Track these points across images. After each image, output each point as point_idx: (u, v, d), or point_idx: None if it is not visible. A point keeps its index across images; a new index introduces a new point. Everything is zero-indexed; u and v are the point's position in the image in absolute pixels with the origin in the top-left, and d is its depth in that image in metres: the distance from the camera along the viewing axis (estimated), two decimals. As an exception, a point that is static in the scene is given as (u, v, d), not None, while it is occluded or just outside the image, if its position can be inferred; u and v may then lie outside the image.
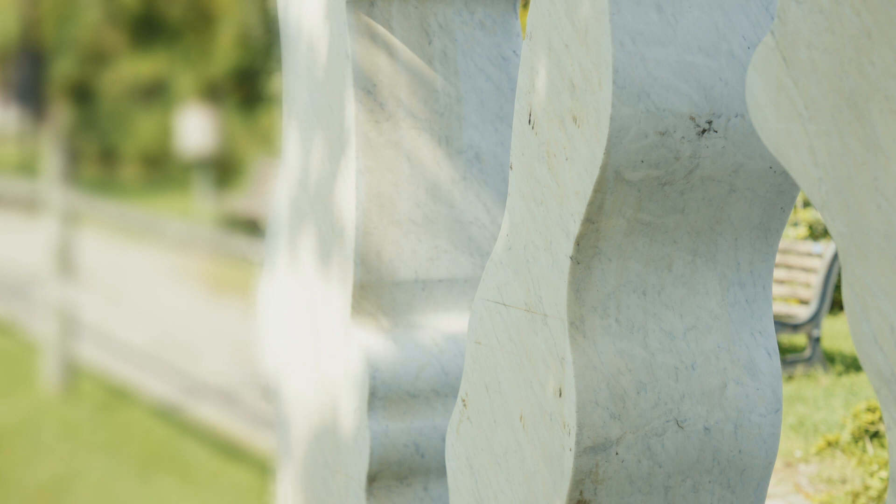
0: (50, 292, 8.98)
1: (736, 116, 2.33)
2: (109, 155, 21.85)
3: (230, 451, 7.47)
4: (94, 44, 21.35)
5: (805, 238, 6.47)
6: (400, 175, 3.11)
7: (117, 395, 8.66)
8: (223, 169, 17.97)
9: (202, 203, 16.53)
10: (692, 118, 2.29)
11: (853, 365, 5.70)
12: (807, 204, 6.52)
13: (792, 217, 6.52)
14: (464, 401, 2.62)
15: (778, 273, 6.06)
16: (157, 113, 20.79)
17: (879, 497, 3.90)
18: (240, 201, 14.55)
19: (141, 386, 8.67)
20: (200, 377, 7.88)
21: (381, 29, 3.09)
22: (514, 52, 3.17)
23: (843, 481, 4.12)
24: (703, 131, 2.30)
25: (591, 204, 2.30)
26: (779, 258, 6.00)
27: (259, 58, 17.56)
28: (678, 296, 2.42)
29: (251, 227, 13.00)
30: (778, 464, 4.31)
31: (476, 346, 2.58)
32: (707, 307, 2.45)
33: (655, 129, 2.26)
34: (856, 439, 4.27)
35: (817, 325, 5.70)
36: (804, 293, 5.94)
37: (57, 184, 8.93)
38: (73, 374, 8.94)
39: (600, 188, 2.29)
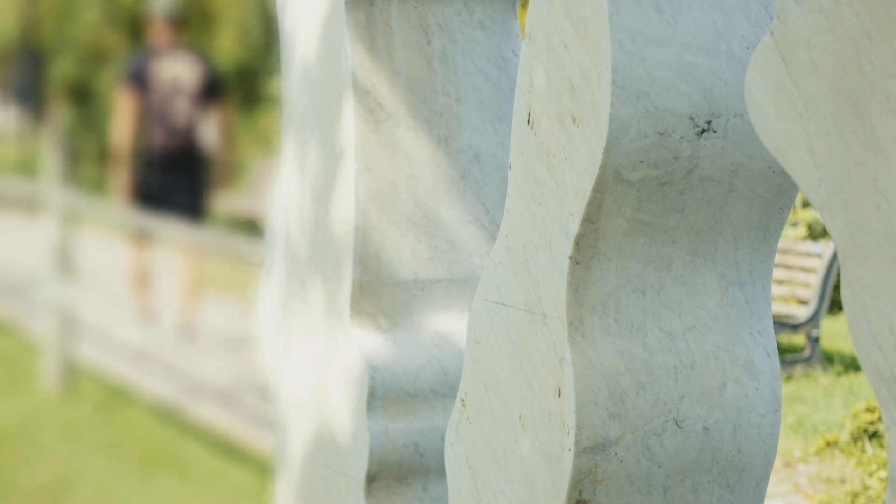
0: (50, 292, 8.98)
1: (735, 116, 2.33)
2: (109, 155, 21.84)
3: (230, 451, 7.47)
4: (93, 44, 21.35)
5: (804, 238, 6.46)
6: (399, 175, 3.11)
7: (117, 395, 8.65)
8: (223, 169, 17.94)
9: (202, 203, 16.50)
10: (691, 118, 2.29)
11: (852, 365, 5.70)
12: (806, 204, 6.51)
13: (791, 217, 6.51)
14: (463, 401, 2.62)
15: (777, 273, 6.05)
16: (157, 113, 20.76)
17: (878, 497, 3.90)
18: (239, 201, 14.53)
19: (141, 386, 8.66)
20: (200, 377, 7.88)
21: (380, 29, 3.09)
22: (514, 52, 3.17)
23: (843, 481, 4.12)
24: (703, 131, 2.30)
25: (590, 204, 2.30)
26: (778, 258, 6.00)
27: (259, 58, 17.55)
28: (677, 296, 2.42)
29: (251, 227, 12.99)
30: (777, 464, 4.31)
31: (475, 346, 2.58)
32: (706, 307, 2.45)
33: (655, 129, 2.27)
34: (855, 439, 4.27)
35: (816, 326, 5.70)
36: (803, 293, 5.94)
37: (57, 184, 8.92)
38: (73, 374, 8.94)
39: (600, 188, 2.29)
